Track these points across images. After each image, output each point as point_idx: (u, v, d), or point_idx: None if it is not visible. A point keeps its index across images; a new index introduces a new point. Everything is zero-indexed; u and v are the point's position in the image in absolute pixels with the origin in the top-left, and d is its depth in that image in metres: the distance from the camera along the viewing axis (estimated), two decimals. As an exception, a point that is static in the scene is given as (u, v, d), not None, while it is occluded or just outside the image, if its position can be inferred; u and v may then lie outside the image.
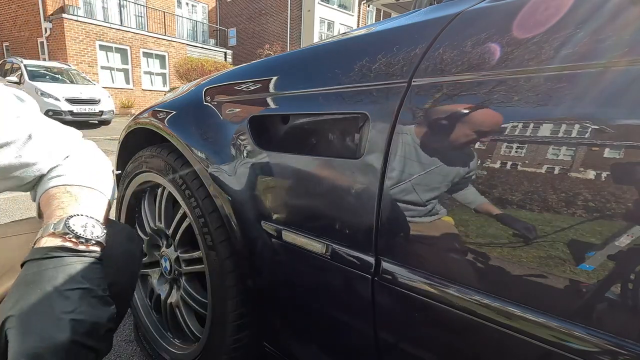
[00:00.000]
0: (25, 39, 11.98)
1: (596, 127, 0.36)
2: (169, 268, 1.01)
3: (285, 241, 0.67)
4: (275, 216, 0.70)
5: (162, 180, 0.96)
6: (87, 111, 7.96)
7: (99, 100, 8.17)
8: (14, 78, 8.11)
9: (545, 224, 0.39)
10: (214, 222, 0.80)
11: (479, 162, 0.43)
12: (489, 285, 0.43)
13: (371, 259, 0.54)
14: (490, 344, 0.44)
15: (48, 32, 10.93)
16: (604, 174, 0.36)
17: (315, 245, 0.62)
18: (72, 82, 8.51)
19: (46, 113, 7.38)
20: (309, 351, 0.73)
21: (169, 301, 1.04)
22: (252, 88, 0.79)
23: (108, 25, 11.71)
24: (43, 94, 7.45)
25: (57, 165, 0.62)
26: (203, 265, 0.85)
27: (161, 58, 13.55)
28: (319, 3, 16.83)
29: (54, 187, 0.58)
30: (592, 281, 0.36)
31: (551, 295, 0.39)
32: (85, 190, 0.59)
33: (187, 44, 14.25)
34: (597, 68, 0.38)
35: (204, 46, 15.17)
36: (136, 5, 13.62)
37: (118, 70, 12.32)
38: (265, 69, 0.83)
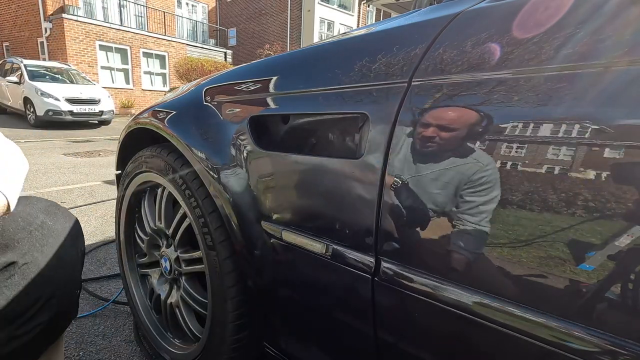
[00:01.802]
0: (25, 39, 11.98)
1: (596, 127, 0.36)
2: (169, 268, 1.01)
3: (286, 241, 0.67)
4: (275, 216, 0.70)
5: (162, 180, 0.96)
6: (87, 111, 7.95)
7: (99, 100, 8.17)
8: (14, 78, 8.11)
9: (545, 224, 0.39)
10: (214, 222, 0.80)
11: (479, 162, 0.43)
12: (489, 285, 0.43)
13: (371, 259, 0.54)
14: (490, 344, 0.44)
15: (48, 32, 10.93)
16: (604, 174, 0.36)
17: (316, 245, 0.62)
18: (72, 82, 8.51)
19: (46, 113, 7.41)
20: (309, 351, 0.73)
21: (169, 301, 1.04)
22: (252, 88, 0.79)
23: (108, 25, 11.70)
24: (43, 94, 7.45)
25: None
26: (203, 265, 0.85)
27: (161, 58, 13.55)
28: (319, 3, 16.82)
29: None
30: (592, 281, 0.36)
31: (551, 295, 0.39)
32: None
33: (187, 44, 14.24)
34: (597, 68, 0.38)
35: (204, 46, 15.16)
36: (136, 5, 13.61)
37: (118, 70, 12.31)
38: (265, 69, 0.83)
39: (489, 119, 0.44)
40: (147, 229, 1.09)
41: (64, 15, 10.54)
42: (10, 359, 0.58)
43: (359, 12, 18.90)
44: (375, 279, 0.54)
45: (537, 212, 0.39)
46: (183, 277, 0.99)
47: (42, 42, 11.44)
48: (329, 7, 17.60)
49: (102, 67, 11.78)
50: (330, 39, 0.77)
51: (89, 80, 9.16)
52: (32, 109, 7.62)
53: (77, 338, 1.23)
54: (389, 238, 0.52)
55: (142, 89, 13.01)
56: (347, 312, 0.61)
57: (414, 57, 0.53)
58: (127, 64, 12.51)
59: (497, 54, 0.45)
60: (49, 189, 3.15)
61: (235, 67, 0.94)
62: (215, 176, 0.77)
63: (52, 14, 10.89)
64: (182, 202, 0.89)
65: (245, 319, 0.82)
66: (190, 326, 0.98)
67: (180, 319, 1.01)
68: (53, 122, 7.59)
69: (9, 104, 8.71)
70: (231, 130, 0.78)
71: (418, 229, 0.49)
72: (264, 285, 0.76)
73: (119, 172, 1.23)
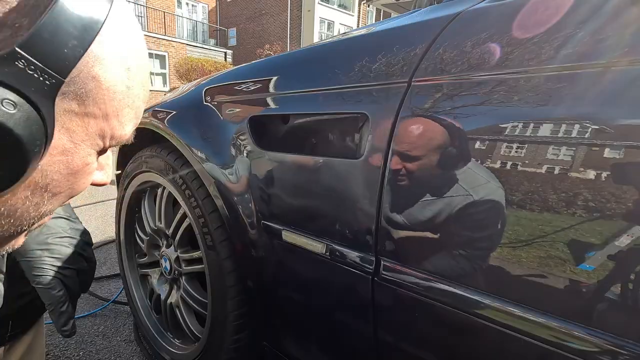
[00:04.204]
0: (25, 39, 11.97)
1: (596, 127, 0.36)
2: (169, 268, 1.01)
3: (286, 241, 0.67)
4: (275, 216, 0.70)
5: (162, 180, 0.96)
6: (87, 111, 7.96)
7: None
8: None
9: (545, 224, 0.39)
10: (214, 222, 0.80)
11: (479, 162, 0.43)
12: (489, 285, 0.43)
13: (371, 259, 0.54)
14: (490, 344, 0.44)
15: (48, 32, 10.92)
16: (604, 174, 0.36)
17: (315, 245, 0.62)
18: (72, 82, 8.51)
19: (46, 113, 7.41)
20: (308, 351, 0.73)
21: (169, 301, 1.04)
22: (252, 88, 0.79)
23: (108, 25, 11.69)
24: (43, 94, 7.45)
25: None
26: (203, 265, 0.86)
27: (161, 58, 13.54)
28: (319, 3, 16.82)
29: None
30: (592, 281, 0.36)
31: (551, 295, 0.39)
32: None
33: (187, 44, 14.25)
34: (597, 68, 0.38)
35: (204, 46, 15.17)
36: (136, 5, 13.62)
37: (118, 70, 12.30)
38: (265, 69, 0.83)
39: (489, 119, 0.44)
40: (147, 229, 1.09)
41: (64, 15, 10.54)
42: (22, 312, 0.67)
43: (359, 12, 18.90)
44: (375, 278, 0.54)
45: (537, 212, 0.39)
46: (183, 277, 0.99)
47: (42, 42, 11.43)
48: (329, 7, 17.60)
49: (102, 67, 11.76)
50: (330, 39, 0.77)
51: (89, 80, 9.15)
52: (32, 109, 7.62)
53: (77, 338, 1.23)
54: (389, 238, 0.52)
55: (142, 89, 13.00)
56: (347, 312, 0.61)
57: (414, 57, 0.53)
58: (127, 64, 12.49)
59: (497, 54, 0.45)
60: (49, 189, 3.14)
61: (235, 67, 0.94)
62: (215, 176, 0.77)
63: (52, 14, 10.88)
64: (182, 202, 0.89)
65: (245, 319, 0.82)
66: (190, 326, 0.98)
67: (180, 319, 1.01)
68: (53, 122, 7.59)
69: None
70: (231, 130, 0.78)
71: (418, 229, 0.49)
72: (264, 285, 0.76)
73: (119, 172, 1.23)
